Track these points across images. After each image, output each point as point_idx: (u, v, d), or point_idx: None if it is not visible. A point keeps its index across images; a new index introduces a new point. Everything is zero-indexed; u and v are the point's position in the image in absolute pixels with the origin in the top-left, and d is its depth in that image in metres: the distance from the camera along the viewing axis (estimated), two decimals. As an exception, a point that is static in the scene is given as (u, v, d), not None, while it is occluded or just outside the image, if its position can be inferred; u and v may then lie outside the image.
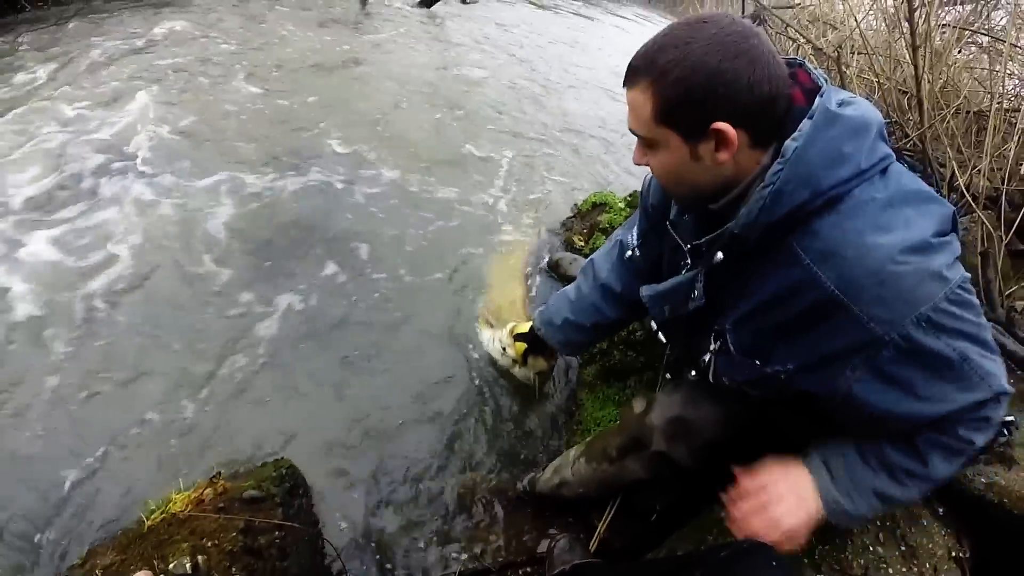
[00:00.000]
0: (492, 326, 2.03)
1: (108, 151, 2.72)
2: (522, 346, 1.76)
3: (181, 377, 1.81)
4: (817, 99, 0.85)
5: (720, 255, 0.95)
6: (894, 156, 0.91)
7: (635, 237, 1.34)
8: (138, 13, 4.18)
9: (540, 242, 2.61)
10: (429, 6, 5.73)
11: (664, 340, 1.27)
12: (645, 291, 1.17)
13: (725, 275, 0.98)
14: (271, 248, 2.33)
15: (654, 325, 1.24)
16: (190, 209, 2.46)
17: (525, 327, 1.75)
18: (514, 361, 1.83)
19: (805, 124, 0.83)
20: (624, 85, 0.92)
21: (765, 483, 1.00)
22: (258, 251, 2.30)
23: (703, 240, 0.97)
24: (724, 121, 0.84)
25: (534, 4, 7.06)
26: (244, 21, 4.35)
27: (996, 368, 0.91)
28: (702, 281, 1.01)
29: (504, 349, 1.85)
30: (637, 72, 0.89)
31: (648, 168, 1.00)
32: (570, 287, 1.57)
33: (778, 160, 0.84)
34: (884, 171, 0.89)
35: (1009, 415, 1.23)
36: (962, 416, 0.91)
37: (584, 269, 1.52)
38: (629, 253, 1.35)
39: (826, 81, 0.90)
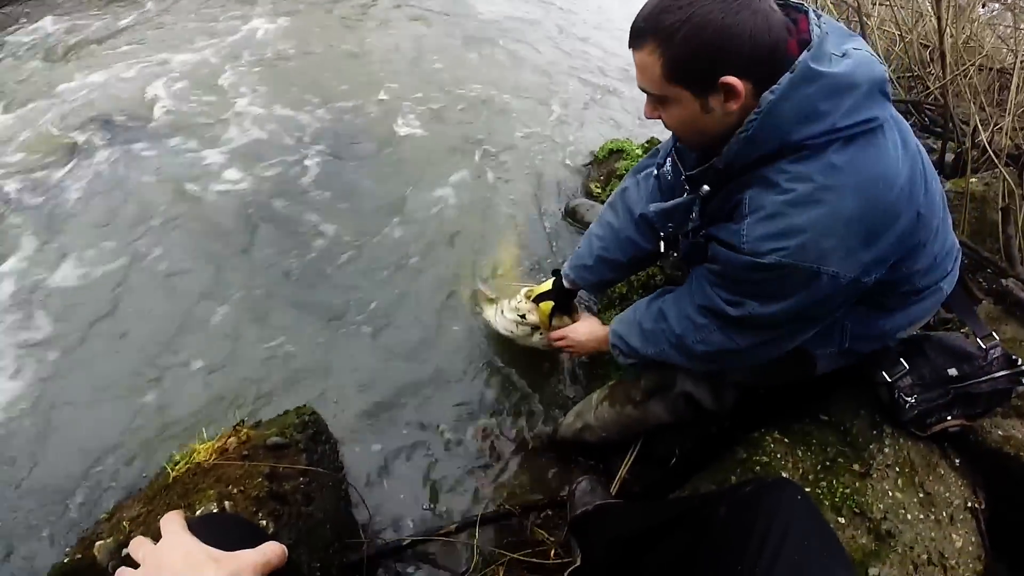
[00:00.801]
0: (495, 300, 1.91)
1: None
2: (548, 305, 1.63)
3: (201, 332, 1.82)
4: (803, 54, 0.88)
5: (707, 188, 1.05)
6: (883, 120, 0.94)
7: (665, 157, 1.34)
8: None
9: (557, 189, 2.57)
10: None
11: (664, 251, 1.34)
12: (653, 207, 1.26)
13: (717, 199, 1.07)
14: (289, 205, 2.32)
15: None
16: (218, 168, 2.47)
17: (543, 287, 1.65)
18: (534, 329, 1.70)
19: (784, 78, 0.87)
20: (630, 46, 0.96)
21: (576, 329, 1.54)
22: (278, 210, 2.30)
23: (694, 172, 1.07)
24: (731, 74, 0.89)
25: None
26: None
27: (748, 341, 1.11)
28: (698, 205, 1.10)
29: (523, 316, 1.70)
30: (643, 33, 0.92)
31: None
32: (595, 226, 1.52)
33: (755, 110, 0.89)
34: (869, 132, 0.92)
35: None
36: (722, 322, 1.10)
37: (612, 203, 1.48)
38: (657, 172, 1.37)
39: (823, 30, 0.92)
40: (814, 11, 0.95)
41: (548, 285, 1.63)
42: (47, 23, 3.55)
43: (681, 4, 0.87)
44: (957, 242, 1.23)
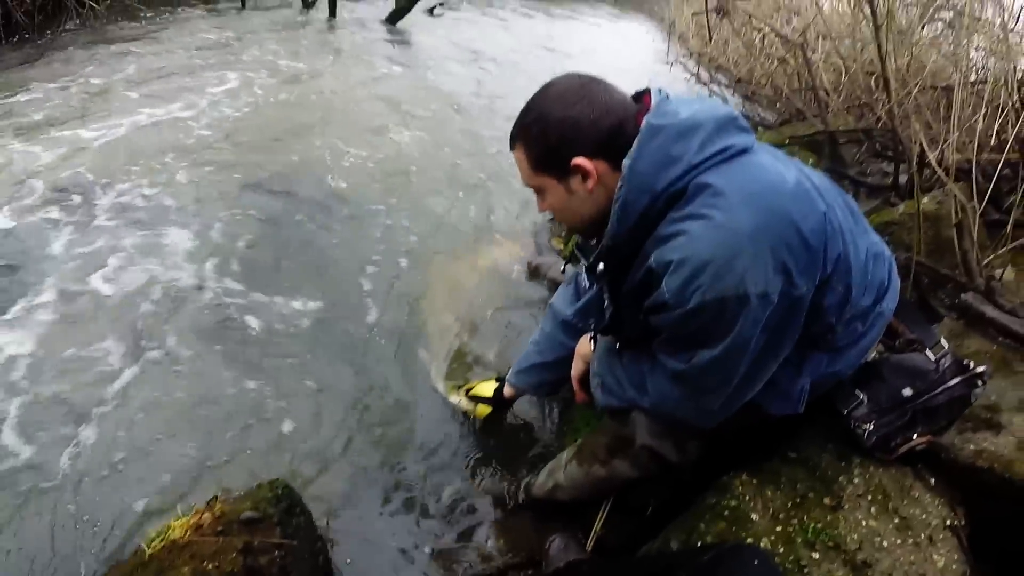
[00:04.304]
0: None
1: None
2: (486, 409, 1.80)
3: (172, 406, 1.81)
4: (645, 118, 0.98)
5: (601, 265, 1.10)
6: (746, 146, 1.00)
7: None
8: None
9: (519, 247, 2.66)
10: (395, 22, 5.78)
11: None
12: (570, 312, 1.42)
13: (628, 281, 1.11)
14: (244, 270, 2.35)
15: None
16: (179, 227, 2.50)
17: (483, 388, 1.79)
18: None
19: (635, 142, 0.97)
20: (510, 150, 1.10)
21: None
22: (230, 273, 2.32)
23: (592, 260, 1.12)
24: (580, 156, 1.01)
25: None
26: (206, 38, 4.42)
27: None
28: (607, 292, 1.16)
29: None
30: (513, 137, 1.09)
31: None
32: (534, 334, 1.67)
33: (621, 177, 0.98)
34: (734, 156, 0.99)
35: (981, 366, 1.25)
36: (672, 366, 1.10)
37: (546, 314, 1.63)
38: (585, 285, 1.48)
39: (663, 95, 1.02)
40: (657, 89, 1.05)
41: (489, 390, 1.77)
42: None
43: (533, 107, 1.05)
44: (887, 251, 1.24)
